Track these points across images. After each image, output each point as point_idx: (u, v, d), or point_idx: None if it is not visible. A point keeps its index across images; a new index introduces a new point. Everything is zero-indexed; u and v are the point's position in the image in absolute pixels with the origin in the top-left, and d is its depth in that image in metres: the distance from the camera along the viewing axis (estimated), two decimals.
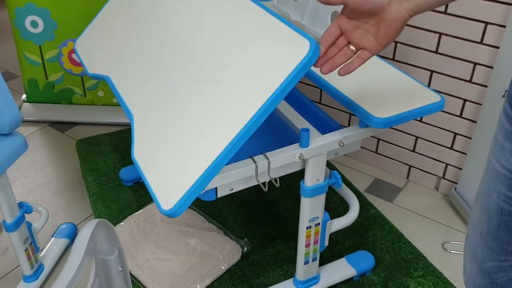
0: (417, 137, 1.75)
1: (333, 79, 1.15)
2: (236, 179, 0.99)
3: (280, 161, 1.02)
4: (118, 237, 0.91)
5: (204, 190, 0.94)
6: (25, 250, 1.37)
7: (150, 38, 1.23)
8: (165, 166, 0.95)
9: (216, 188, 1.01)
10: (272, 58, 0.91)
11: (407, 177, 1.85)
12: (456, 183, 1.72)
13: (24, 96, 2.22)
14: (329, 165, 1.79)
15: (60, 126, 2.14)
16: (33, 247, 1.41)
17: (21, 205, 1.37)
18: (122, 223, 1.46)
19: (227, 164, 0.98)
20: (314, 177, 1.09)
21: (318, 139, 1.06)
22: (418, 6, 0.78)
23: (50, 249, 1.52)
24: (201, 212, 1.52)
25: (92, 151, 1.83)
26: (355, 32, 0.83)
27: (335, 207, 1.60)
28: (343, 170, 1.87)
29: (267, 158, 1.01)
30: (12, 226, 1.32)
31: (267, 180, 1.02)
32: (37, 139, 2.06)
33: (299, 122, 1.10)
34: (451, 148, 1.69)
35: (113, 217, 1.54)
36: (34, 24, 2.01)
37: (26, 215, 1.36)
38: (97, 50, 1.35)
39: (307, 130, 1.03)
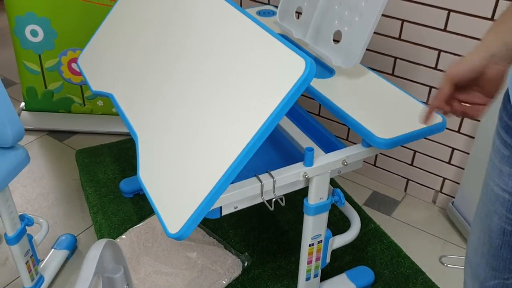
0: (415, 151, 1.77)
1: (333, 96, 1.16)
2: (241, 198, 1.00)
3: (285, 179, 1.03)
4: (124, 256, 0.92)
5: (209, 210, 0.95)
6: (26, 263, 1.37)
7: (150, 56, 1.24)
8: (169, 188, 0.95)
9: (220, 207, 1.02)
10: (269, 79, 0.91)
11: (405, 190, 1.86)
12: (454, 197, 1.74)
13: (22, 104, 2.22)
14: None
15: (59, 135, 2.13)
16: (33, 259, 1.41)
17: (22, 217, 1.36)
18: (123, 236, 1.47)
19: (232, 183, 1.00)
20: (317, 195, 1.10)
21: (322, 158, 1.07)
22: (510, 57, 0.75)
23: (50, 261, 1.52)
24: (201, 226, 1.52)
25: (91, 162, 1.83)
26: (463, 96, 0.80)
27: (334, 221, 1.61)
28: (342, 183, 1.88)
29: (272, 176, 1.02)
30: (13, 239, 1.32)
31: (273, 200, 1.03)
32: (35, 148, 2.06)
33: (303, 140, 1.11)
34: (448, 162, 1.71)
35: (114, 230, 1.54)
36: (34, 33, 2.01)
37: (26, 227, 1.36)
38: (99, 67, 1.36)
39: (312, 149, 1.04)
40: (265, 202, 1.03)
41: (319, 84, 1.21)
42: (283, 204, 1.02)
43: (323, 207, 1.13)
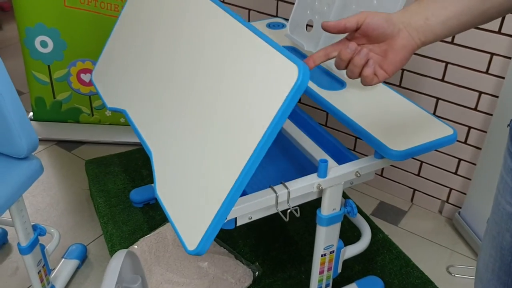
0: (422, 162, 1.78)
1: (345, 108, 1.18)
2: (256, 208, 1.02)
3: (299, 191, 1.05)
4: (142, 266, 0.93)
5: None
6: (38, 272, 1.38)
7: (158, 68, 1.25)
8: (185, 203, 0.96)
9: (235, 217, 1.04)
10: (264, 87, 0.88)
11: (412, 200, 1.88)
12: (460, 208, 1.75)
13: (30, 114, 2.24)
14: None
15: (67, 145, 2.15)
16: (45, 269, 1.42)
17: (34, 227, 1.38)
18: (135, 246, 1.48)
19: (247, 194, 1.01)
20: (330, 206, 1.12)
21: (336, 169, 1.09)
22: (426, 37, 0.76)
23: (61, 271, 1.53)
24: None
25: (101, 172, 1.84)
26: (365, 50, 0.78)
27: (343, 231, 1.62)
28: (349, 194, 1.90)
29: (286, 187, 1.03)
30: (26, 249, 1.33)
31: (288, 211, 1.05)
32: (44, 158, 2.07)
33: (316, 152, 1.13)
34: (455, 173, 1.72)
35: (124, 239, 1.55)
36: (43, 44, 2.03)
37: (39, 237, 1.37)
38: (112, 82, 1.37)
39: (326, 161, 1.05)
40: (280, 212, 1.04)
41: (330, 96, 1.23)
42: (297, 215, 1.04)
43: (336, 218, 1.14)
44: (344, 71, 1.21)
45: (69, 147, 2.14)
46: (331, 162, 1.11)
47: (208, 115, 1.00)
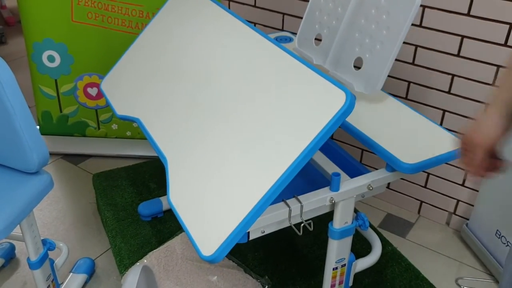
0: (428, 174, 1.79)
1: (356, 121, 1.19)
2: (269, 222, 1.02)
3: (312, 204, 1.05)
4: (156, 281, 0.93)
5: None
6: (47, 287, 1.38)
7: (180, 81, 1.27)
8: (203, 211, 0.97)
9: (248, 231, 1.04)
10: (307, 110, 0.96)
11: (419, 212, 1.88)
12: (468, 219, 1.75)
13: (37, 128, 2.24)
14: None
15: (74, 158, 2.15)
16: (54, 284, 1.41)
17: (44, 242, 1.38)
18: (144, 260, 1.47)
19: None
20: (342, 219, 1.12)
21: (348, 183, 1.09)
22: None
23: (69, 285, 1.52)
24: None
25: (109, 186, 1.84)
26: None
27: (352, 244, 1.62)
28: (356, 206, 1.90)
29: (299, 201, 1.03)
30: (36, 264, 1.33)
31: (302, 224, 1.05)
32: (50, 172, 2.07)
33: (328, 166, 1.13)
34: (462, 185, 1.73)
35: (133, 253, 1.55)
36: (51, 58, 2.04)
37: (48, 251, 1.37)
38: (124, 91, 1.39)
39: (338, 174, 1.06)
40: (293, 226, 1.04)
41: None
42: (311, 229, 1.04)
43: (348, 231, 1.14)
44: (355, 86, 1.22)
45: (76, 160, 2.14)
46: (343, 175, 1.11)
47: (242, 128, 1.03)
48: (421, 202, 1.86)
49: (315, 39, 1.43)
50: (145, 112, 1.27)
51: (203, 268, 1.44)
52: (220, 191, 0.98)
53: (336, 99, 0.94)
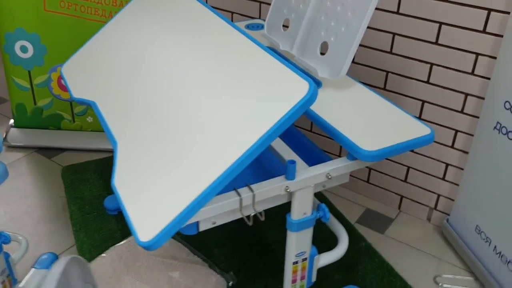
0: (409, 167, 1.72)
1: (318, 108, 1.12)
2: (219, 212, 0.96)
3: (266, 194, 0.99)
4: (92, 274, 0.87)
5: (185, 224, 0.90)
6: (2, 282, 1.32)
7: (139, 68, 1.22)
8: (146, 196, 0.91)
9: (197, 222, 0.98)
10: (267, 99, 0.92)
11: (399, 207, 1.81)
12: (448, 215, 1.69)
13: (11, 121, 2.19)
14: (318, 195, 1.76)
15: (48, 152, 2.10)
16: (10, 279, 1.35)
17: (1, 234, 1.32)
18: (104, 254, 1.42)
19: None
20: (300, 210, 1.06)
21: (305, 171, 1.03)
22: None
23: (30, 281, 1.46)
24: (185, 244, 1.47)
25: (77, 179, 1.79)
26: None
27: (325, 238, 1.56)
28: (333, 200, 1.83)
29: (251, 190, 0.97)
30: None
31: (252, 214, 0.99)
32: (23, 165, 2.02)
33: (287, 153, 1.07)
34: (443, 178, 1.66)
35: (95, 248, 1.49)
36: (23, 49, 1.99)
37: (4, 245, 1.31)
38: (84, 76, 1.33)
39: (294, 162, 1.00)
40: (244, 217, 0.98)
41: None
42: (262, 218, 0.98)
43: (307, 223, 1.08)
44: (319, 71, 1.16)
45: (50, 154, 2.09)
46: (301, 163, 1.05)
47: (197, 114, 0.99)
48: (402, 197, 1.79)
49: (284, 25, 1.37)
50: (101, 96, 1.22)
51: (165, 263, 1.38)
52: (167, 177, 0.92)
53: (298, 89, 0.90)
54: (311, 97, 0.89)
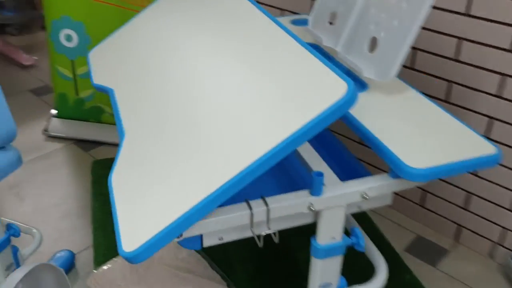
0: (469, 193, 1.49)
1: (360, 113, 0.95)
2: (225, 226, 0.81)
3: (284, 210, 0.83)
4: (68, 282, 0.75)
5: (182, 237, 0.76)
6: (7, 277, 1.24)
7: (166, 60, 1.11)
8: (142, 200, 0.78)
9: (201, 236, 0.83)
10: (298, 99, 0.77)
11: (456, 238, 1.58)
12: None
13: (54, 111, 2.16)
14: (360, 215, 1.56)
15: (86, 144, 2.04)
16: None
17: (9, 227, 1.24)
18: (116, 259, 1.31)
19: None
20: (327, 234, 0.89)
21: (335, 187, 0.86)
22: None
23: None
24: (205, 256, 1.33)
25: (105, 174, 1.70)
26: None
27: (363, 266, 1.36)
28: (378, 221, 1.63)
29: (266, 204, 0.81)
30: None
31: (263, 234, 0.83)
32: (59, 157, 1.97)
33: (315, 162, 0.90)
34: (510, 210, 1.42)
35: (111, 250, 1.39)
36: (68, 38, 1.95)
37: (18, 238, 1.23)
38: (108, 63, 1.24)
39: (321, 174, 0.83)
40: (255, 236, 0.82)
41: None
42: (276, 240, 0.82)
43: (335, 250, 0.90)
44: (364, 70, 0.99)
45: (87, 147, 2.03)
46: (331, 176, 0.88)
47: (217, 107, 0.86)
48: (460, 226, 1.56)
49: (330, 23, 1.20)
50: (120, 84, 1.11)
51: (179, 276, 1.25)
52: (169, 180, 0.79)
53: (335, 90, 0.74)
54: (348, 100, 0.73)
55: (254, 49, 0.94)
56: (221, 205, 0.82)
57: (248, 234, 0.85)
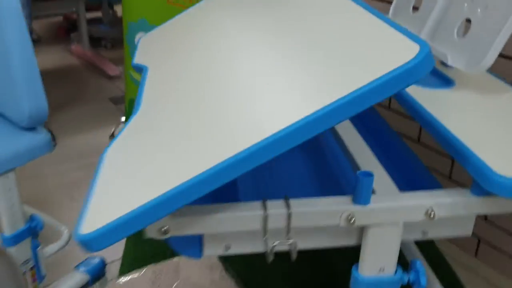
0: None
1: (441, 112, 0.71)
2: (230, 229, 0.60)
3: (312, 217, 0.60)
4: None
5: (170, 233, 0.57)
6: (23, 274, 1.12)
7: (211, 44, 0.96)
8: (126, 180, 0.61)
9: (201, 238, 0.63)
10: (355, 62, 0.57)
11: None
12: None
13: (123, 118, 2.11)
14: (423, 243, 1.26)
15: None
16: (34, 273, 1.15)
17: (32, 218, 1.13)
18: (136, 273, 1.14)
19: (219, 203, 0.61)
20: (374, 262, 0.64)
21: (389, 195, 0.62)
22: None
23: (63, 283, 1.25)
24: (238, 281, 1.12)
25: None
26: None
27: None
28: (463, 273, 1.30)
29: (288, 206, 0.60)
30: (10, 240, 1.08)
31: (274, 245, 0.61)
32: None
33: (367, 162, 0.67)
34: None
35: (138, 261, 1.23)
36: None
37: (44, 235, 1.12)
38: (152, 46, 1.12)
39: (370, 175, 0.59)
40: (268, 249, 0.60)
41: (425, 95, 0.77)
42: (293, 257, 0.59)
43: (384, 285, 0.65)
44: (450, 57, 0.76)
45: None
46: (384, 181, 0.64)
47: (246, 81, 0.69)
48: None
49: (414, 7, 0.98)
50: (157, 64, 0.98)
51: None
52: (164, 157, 0.61)
53: (402, 53, 0.53)
54: (419, 64, 0.51)
55: (310, 13, 0.75)
56: (229, 200, 0.62)
57: (258, 247, 0.63)
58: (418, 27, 0.92)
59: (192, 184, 0.52)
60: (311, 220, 0.60)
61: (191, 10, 1.24)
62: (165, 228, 0.58)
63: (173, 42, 1.07)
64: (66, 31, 3.26)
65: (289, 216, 0.59)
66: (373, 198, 0.61)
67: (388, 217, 0.61)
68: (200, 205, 0.60)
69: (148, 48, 1.11)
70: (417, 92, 0.79)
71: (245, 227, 0.60)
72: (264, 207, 0.59)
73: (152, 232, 0.59)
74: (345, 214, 0.60)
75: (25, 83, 1.03)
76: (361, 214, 0.60)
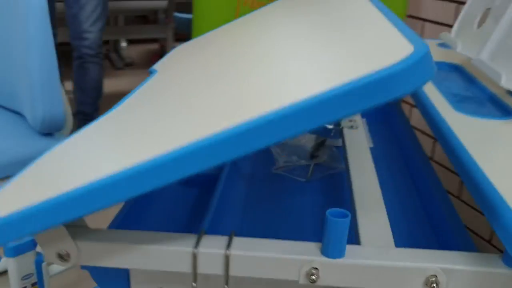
0: None
1: (480, 150, 0.51)
2: (158, 268, 0.45)
3: (258, 265, 0.44)
4: None
5: (70, 264, 0.45)
6: None
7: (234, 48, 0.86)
8: (69, 160, 0.50)
9: (128, 274, 0.49)
10: (341, 63, 0.42)
11: None
12: None
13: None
14: None
15: None
16: None
17: None
18: None
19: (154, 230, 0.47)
20: None
21: (376, 251, 0.43)
22: None
23: None
24: None
25: None
26: None
27: None
28: None
29: (228, 245, 0.44)
30: (10, 251, 1.02)
31: None
32: None
33: (370, 205, 0.49)
34: None
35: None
36: None
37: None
38: (178, 55, 1.04)
39: (345, 215, 0.42)
40: None
41: (472, 127, 0.58)
42: None
43: None
44: (504, 77, 0.58)
45: None
46: (377, 230, 0.46)
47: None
48: None
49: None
50: (168, 68, 0.89)
51: None
52: (113, 143, 0.49)
53: (395, 53, 0.38)
54: (408, 67, 0.34)
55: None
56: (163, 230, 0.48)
57: None
58: (475, 45, 0.72)
59: (109, 182, 0.39)
60: (258, 270, 0.43)
61: (227, 25, 1.16)
62: (64, 252, 0.45)
63: (195, 51, 0.98)
64: (160, 58, 3.37)
65: (226, 259, 0.43)
66: (351, 250, 0.43)
67: (368, 281, 0.42)
68: (122, 230, 0.47)
69: (173, 56, 1.03)
70: (461, 121, 0.59)
71: (173, 267, 0.45)
72: (197, 242, 0.44)
73: (50, 255, 0.46)
74: (305, 267, 0.43)
75: (41, 88, 0.99)
76: (328, 270, 0.43)
